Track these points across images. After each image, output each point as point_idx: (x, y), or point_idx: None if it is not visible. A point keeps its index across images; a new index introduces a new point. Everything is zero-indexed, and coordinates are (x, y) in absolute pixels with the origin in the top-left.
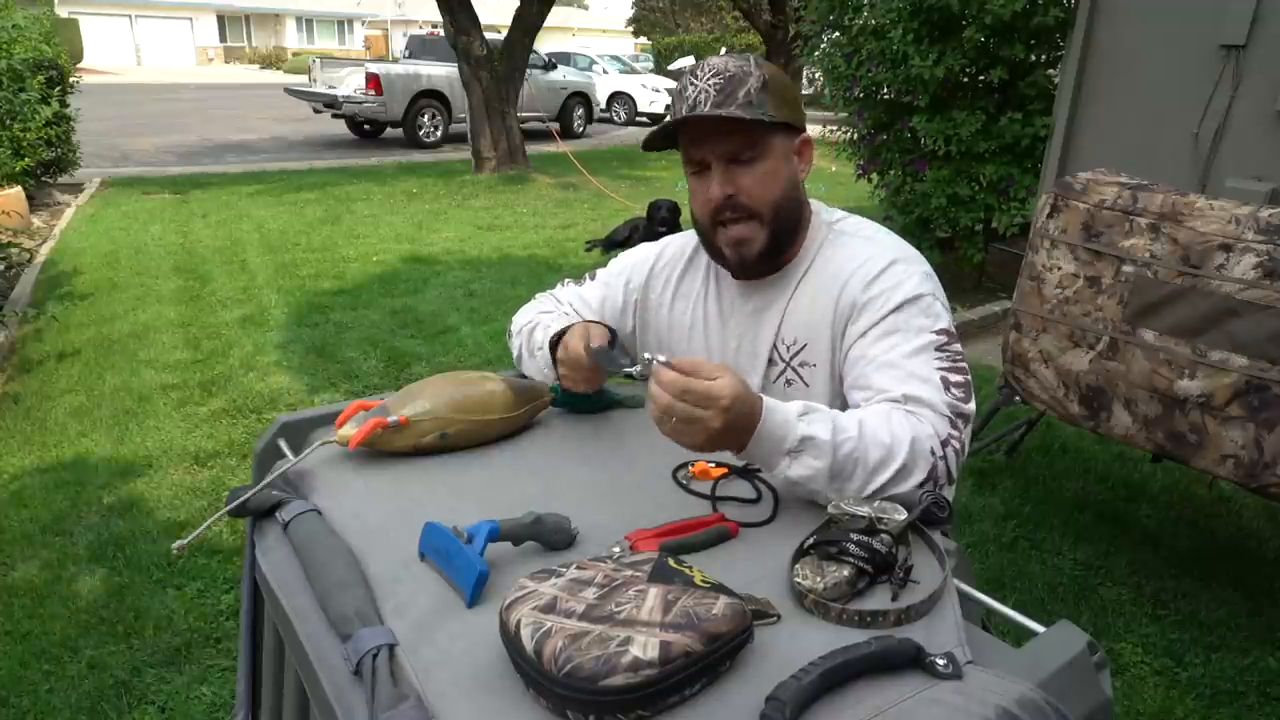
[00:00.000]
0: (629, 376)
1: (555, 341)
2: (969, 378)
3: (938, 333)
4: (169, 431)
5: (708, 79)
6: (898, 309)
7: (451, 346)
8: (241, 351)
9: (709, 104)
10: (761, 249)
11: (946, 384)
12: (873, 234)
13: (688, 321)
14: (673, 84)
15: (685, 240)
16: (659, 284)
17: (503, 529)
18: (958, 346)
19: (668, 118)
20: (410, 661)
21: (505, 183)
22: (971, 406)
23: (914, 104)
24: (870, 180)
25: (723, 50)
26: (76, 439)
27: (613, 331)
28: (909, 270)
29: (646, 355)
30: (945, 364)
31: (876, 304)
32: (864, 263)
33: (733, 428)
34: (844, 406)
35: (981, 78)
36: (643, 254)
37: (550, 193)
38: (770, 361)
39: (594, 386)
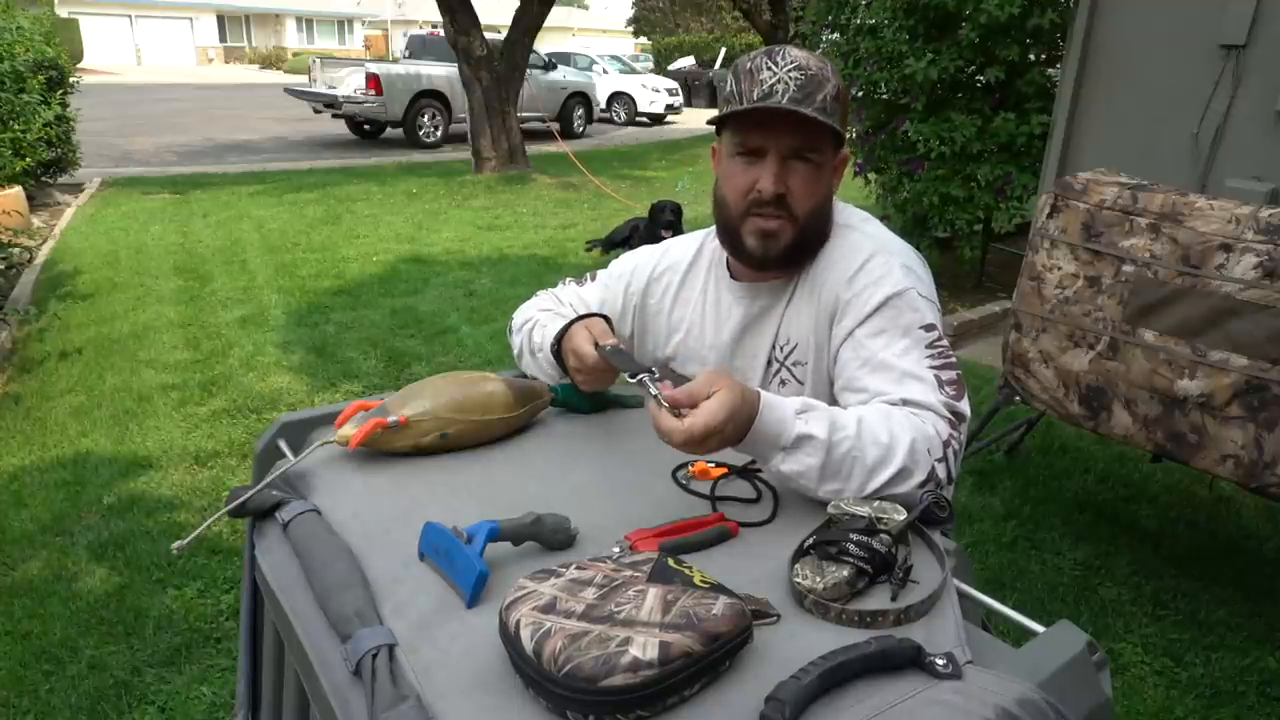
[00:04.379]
0: (620, 399)
1: (557, 345)
2: (959, 374)
3: (924, 328)
4: (169, 431)
5: (788, 70)
6: (881, 307)
7: (451, 346)
8: (241, 351)
9: (787, 97)
10: (786, 246)
11: (940, 382)
12: (857, 224)
13: (686, 327)
14: (672, 84)
15: (687, 245)
16: (659, 289)
17: (502, 529)
18: (945, 341)
19: (725, 94)
20: (410, 662)
21: (505, 183)
22: (965, 405)
23: (910, 104)
24: (867, 180)
25: (722, 52)
26: (77, 439)
27: (606, 319)
28: (888, 264)
29: (644, 376)
30: (936, 361)
31: (858, 303)
32: (843, 257)
33: (730, 439)
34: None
35: (979, 77)
36: (643, 257)
37: (550, 193)
38: (768, 363)
39: (611, 383)
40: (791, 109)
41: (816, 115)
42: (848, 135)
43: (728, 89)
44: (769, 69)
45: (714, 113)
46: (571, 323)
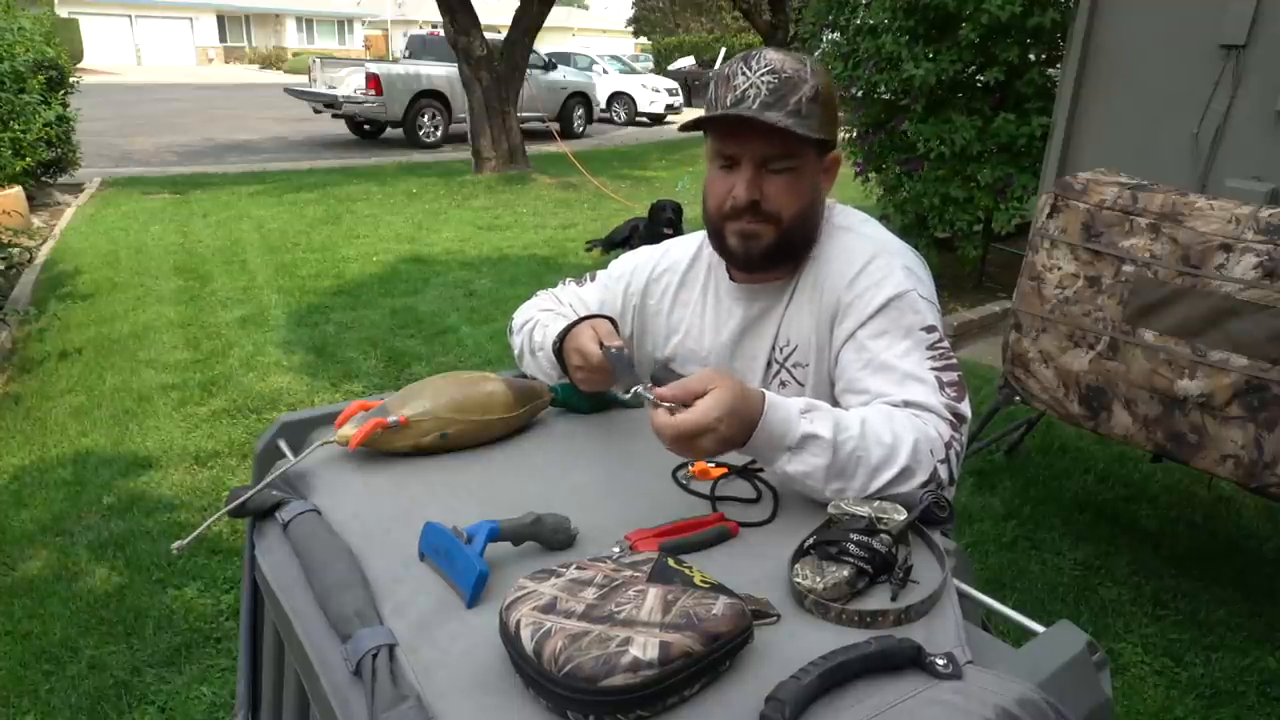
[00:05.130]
0: (620, 399)
1: (559, 344)
2: (960, 375)
3: (925, 330)
4: (169, 431)
5: (761, 74)
6: (882, 309)
7: (451, 346)
8: (242, 351)
9: (758, 102)
10: (768, 247)
11: (941, 384)
12: (856, 225)
13: (685, 328)
14: (672, 84)
15: (687, 245)
16: (658, 290)
17: (503, 529)
18: (945, 343)
19: (705, 99)
20: (410, 662)
21: (505, 183)
22: (966, 407)
23: (910, 106)
24: (867, 179)
25: (723, 52)
26: (77, 439)
27: (612, 320)
28: (889, 265)
29: (637, 388)
30: (938, 363)
31: (860, 305)
32: (841, 259)
33: (734, 437)
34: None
35: (980, 77)
36: (643, 258)
37: (550, 193)
38: (768, 365)
39: (611, 384)
40: (753, 117)
41: (783, 120)
42: (847, 135)
43: (708, 95)
44: (743, 74)
45: None
46: (576, 322)
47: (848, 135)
